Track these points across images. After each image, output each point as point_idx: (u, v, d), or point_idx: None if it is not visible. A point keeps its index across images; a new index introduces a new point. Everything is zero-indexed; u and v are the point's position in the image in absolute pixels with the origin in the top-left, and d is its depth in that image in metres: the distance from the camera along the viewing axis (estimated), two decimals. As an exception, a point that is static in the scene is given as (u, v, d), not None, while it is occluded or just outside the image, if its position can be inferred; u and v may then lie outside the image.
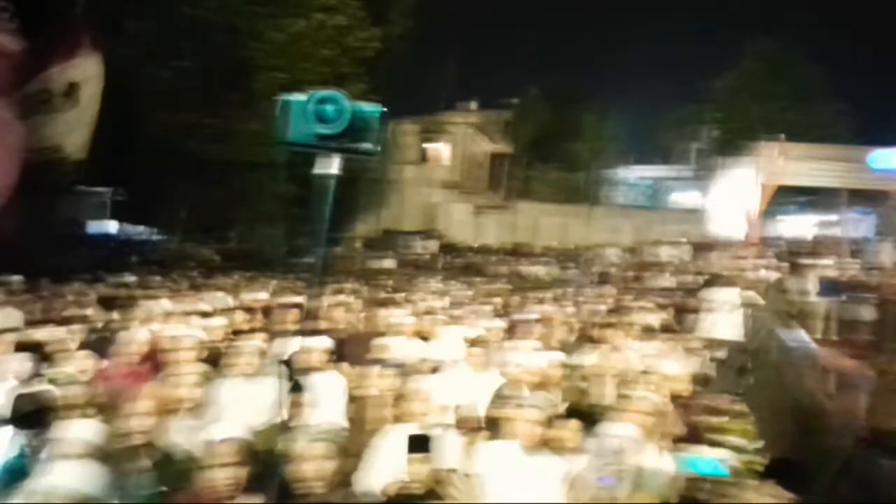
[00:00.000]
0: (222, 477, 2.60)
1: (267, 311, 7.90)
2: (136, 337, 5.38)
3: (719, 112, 31.09)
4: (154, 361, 5.39)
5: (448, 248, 26.08)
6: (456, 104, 30.97)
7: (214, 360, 5.30)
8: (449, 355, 6.44)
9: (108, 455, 2.91)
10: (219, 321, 6.22)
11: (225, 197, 22.36)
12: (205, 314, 6.66)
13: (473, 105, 31.59)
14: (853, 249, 18.12)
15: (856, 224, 24.54)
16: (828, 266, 12.35)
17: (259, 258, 21.08)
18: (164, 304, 7.52)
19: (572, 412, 4.72)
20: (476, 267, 22.27)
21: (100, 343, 6.05)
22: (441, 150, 30.38)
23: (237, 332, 6.44)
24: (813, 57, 29.17)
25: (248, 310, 7.78)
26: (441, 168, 30.45)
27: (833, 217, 26.27)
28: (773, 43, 29.58)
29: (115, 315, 8.00)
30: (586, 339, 8.27)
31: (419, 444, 2.97)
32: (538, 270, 21.18)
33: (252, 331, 6.78)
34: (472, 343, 5.60)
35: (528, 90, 32.81)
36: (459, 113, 30.82)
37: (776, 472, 2.69)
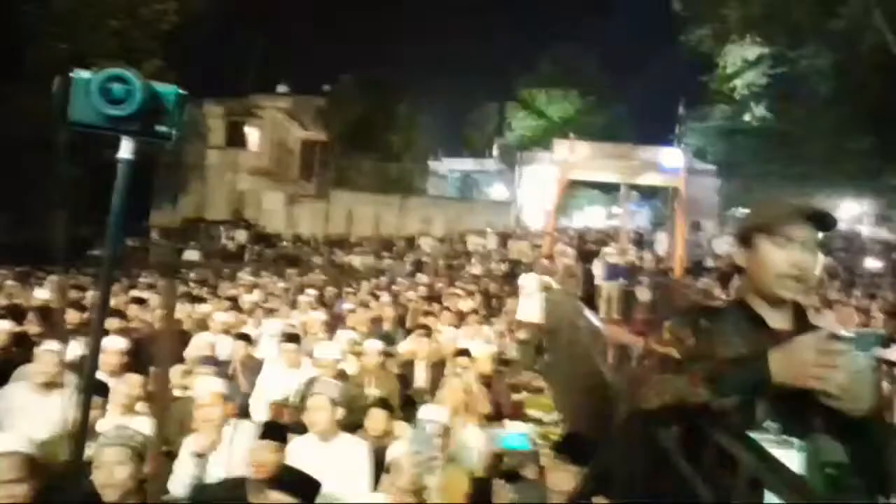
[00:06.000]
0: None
1: (47, 311, 6.96)
2: None
3: (519, 111, 33.45)
4: None
5: (258, 239, 25.02)
6: (264, 87, 29.65)
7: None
8: (264, 351, 6.23)
9: None
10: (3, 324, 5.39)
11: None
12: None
13: (283, 89, 30.44)
14: (632, 238, 20.59)
15: (633, 215, 27.90)
16: (611, 253, 13.88)
17: (33, 250, 18.51)
18: None
19: (385, 398, 4.83)
20: (290, 258, 21.67)
21: None
22: (248, 134, 28.87)
23: (19, 336, 5.62)
24: (598, 65, 32.69)
25: (21, 311, 6.80)
26: (249, 153, 28.93)
27: (616, 209, 29.62)
28: (567, 49, 32.57)
29: None
30: (402, 326, 8.49)
31: (273, 431, 2.91)
32: (353, 260, 21.17)
33: (38, 335, 5.95)
34: (286, 338, 5.45)
35: (340, 77, 32.53)
36: (268, 96, 29.50)
37: (565, 446, 3.00)
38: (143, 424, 3.47)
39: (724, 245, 19.81)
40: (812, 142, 23.75)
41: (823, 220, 1.53)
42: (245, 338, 6.02)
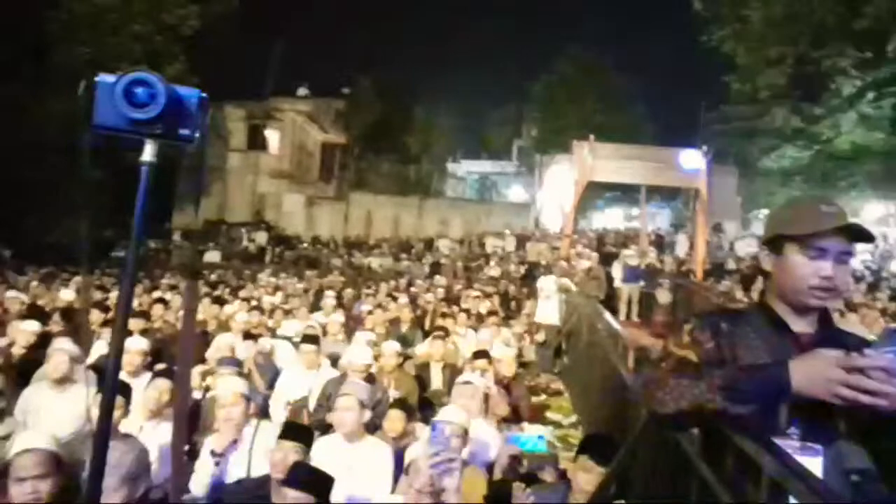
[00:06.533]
0: (23, 492, 2.34)
1: (71, 312, 7.08)
2: None
3: (538, 112, 33.33)
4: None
5: (278, 240, 25.19)
6: (284, 90, 29.84)
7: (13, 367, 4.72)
8: (283, 354, 6.27)
9: None
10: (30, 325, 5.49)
11: (16, 183, 19.61)
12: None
13: (303, 91, 30.59)
14: (652, 240, 20.41)
15: (653, 217, 27.66)
16: (630, 255, 13.75)
17: (58, 252, 18.84)
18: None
19: (404, 399, 4.83)
20: (309, 259, 21.79)
21: None
22: (269, 137, 29.09)
23: (45, 336, 5.72)
24: (617, 66, 32.53)
25: (45, 312, 6.92)
26: (269, 156, 29.15)
27: (634, 211, 29.39)
28: (584, 50, 32.41)
29: None
30: (420, 328, 8.49)
31: (294, 431, 2.92)
32: (372, 262, 21.23)
33: (60, 334, 6.05)
34: (304, 339, 5.48)
35: (359, 80, 32.68)
36: (288, 99, 29.69)
37: (589, 446, 2.96)
38: (168, 429, 3.51)
39: (747, 247, 19.57)
40: (835, 142, 23.37)
41: (859, 234, 1.46)
42: (252, 337, 6.06)
